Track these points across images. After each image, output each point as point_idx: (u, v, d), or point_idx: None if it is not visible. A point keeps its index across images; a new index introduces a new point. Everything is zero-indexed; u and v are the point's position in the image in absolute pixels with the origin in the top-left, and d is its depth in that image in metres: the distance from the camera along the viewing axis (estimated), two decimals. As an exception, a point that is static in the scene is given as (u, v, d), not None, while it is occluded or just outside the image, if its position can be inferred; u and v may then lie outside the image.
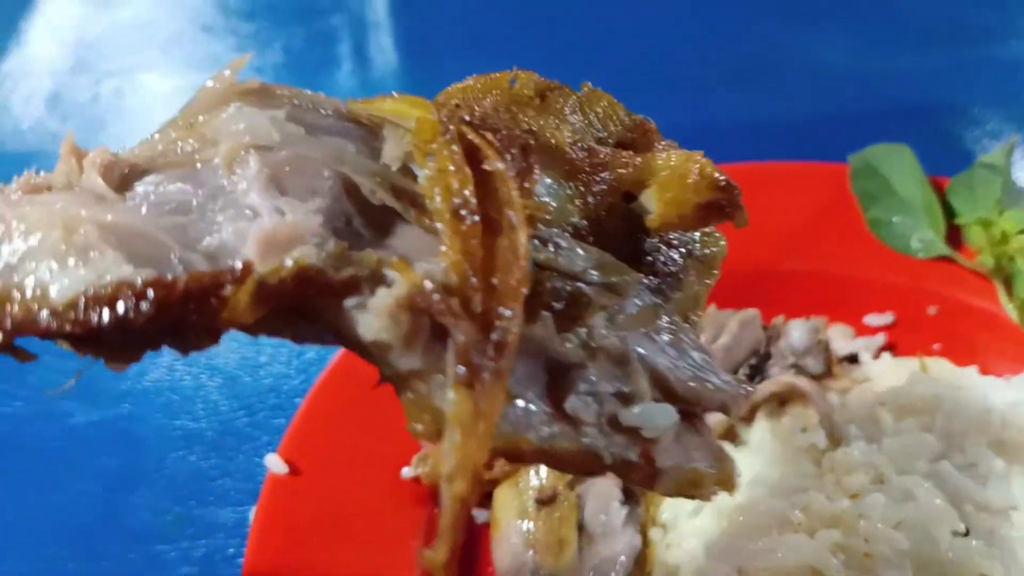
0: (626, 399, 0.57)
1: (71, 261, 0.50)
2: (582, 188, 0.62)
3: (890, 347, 1.19)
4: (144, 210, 0.54)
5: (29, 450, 1.18)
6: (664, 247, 0.66)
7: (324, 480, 1.01)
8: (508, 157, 0.57)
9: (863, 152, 1.29)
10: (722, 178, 0.63)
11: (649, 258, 0.65)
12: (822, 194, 1.28)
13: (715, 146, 1.38)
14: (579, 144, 0.63)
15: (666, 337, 0.63)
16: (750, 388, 0.68)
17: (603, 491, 0.98)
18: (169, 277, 0.50)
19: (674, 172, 0.62)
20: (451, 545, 0.50)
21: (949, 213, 1.24)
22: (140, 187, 0.56)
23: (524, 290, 0.52)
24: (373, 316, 0.50)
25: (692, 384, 0.61)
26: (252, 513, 1.00)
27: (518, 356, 0.52)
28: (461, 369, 0.50)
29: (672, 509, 1.00)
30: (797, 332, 1.15)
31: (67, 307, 0.49)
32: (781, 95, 1.60)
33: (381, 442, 1.03)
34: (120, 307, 0.49)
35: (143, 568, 1.10)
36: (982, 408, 0.98)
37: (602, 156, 0.63)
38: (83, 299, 0.49)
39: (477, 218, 0.53)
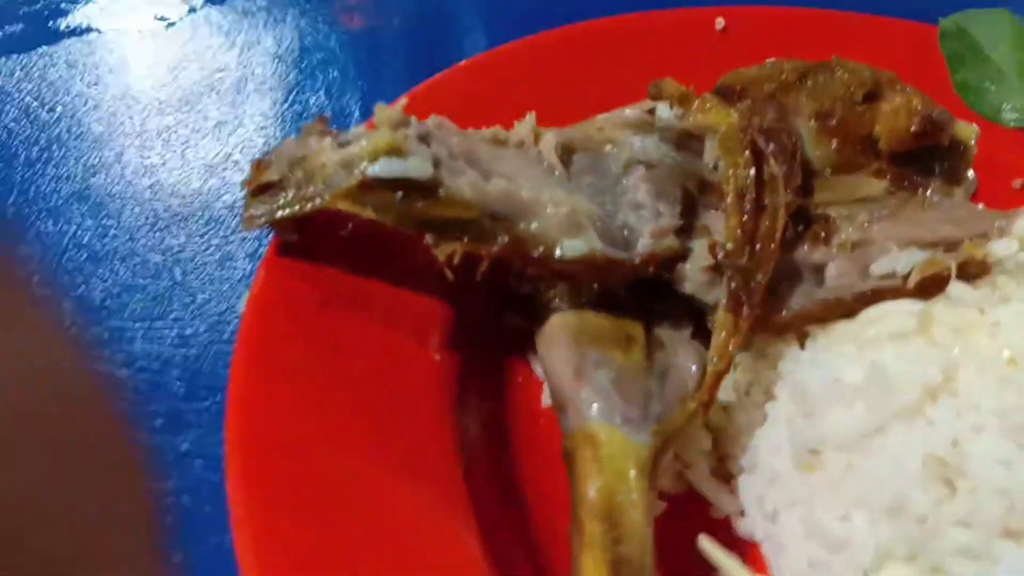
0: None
1: (570, 231, 0.78)
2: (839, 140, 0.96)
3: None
4: (586, 192, 0.84)
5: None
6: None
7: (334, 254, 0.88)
8: (781, 161, 0.84)
9: (955, 16, 1.19)
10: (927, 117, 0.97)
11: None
12: (909, 51, 1.17)
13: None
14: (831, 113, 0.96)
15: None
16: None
17: (673, 312, 0.87)
18: (621, 258, 0.80)
19: (896, 114, 0.98)
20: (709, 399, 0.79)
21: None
22: (575, 161, 0.86)
23: (775, 258, 0.81)
24: (696, 271, 0.83)
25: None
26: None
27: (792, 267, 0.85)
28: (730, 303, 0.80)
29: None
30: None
31: (570, 260, 0.77)
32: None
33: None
34: (592, 265, 0.79)
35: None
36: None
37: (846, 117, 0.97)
38: (579, 258, 0.78)
39: (749, 205, 0.81)
